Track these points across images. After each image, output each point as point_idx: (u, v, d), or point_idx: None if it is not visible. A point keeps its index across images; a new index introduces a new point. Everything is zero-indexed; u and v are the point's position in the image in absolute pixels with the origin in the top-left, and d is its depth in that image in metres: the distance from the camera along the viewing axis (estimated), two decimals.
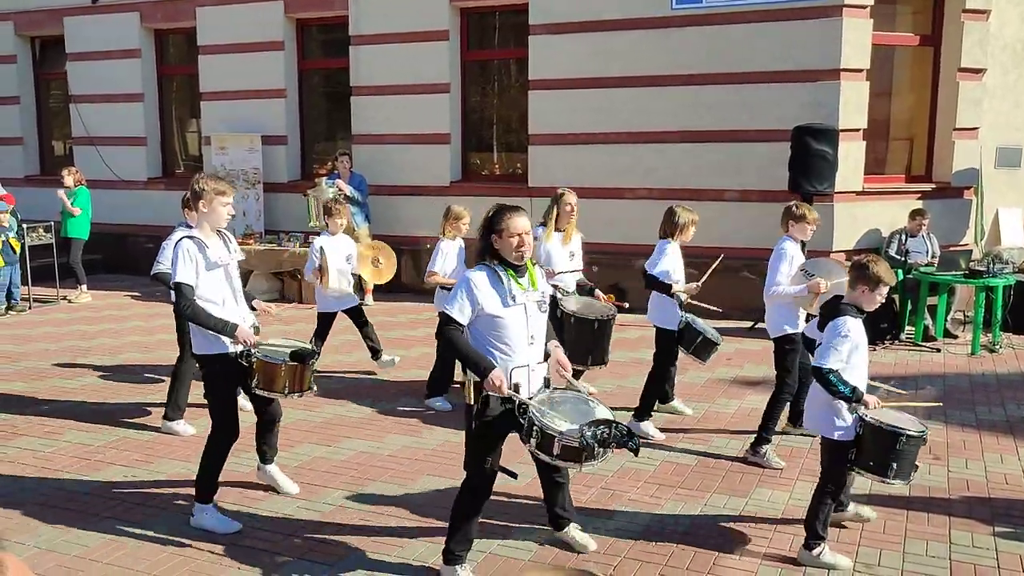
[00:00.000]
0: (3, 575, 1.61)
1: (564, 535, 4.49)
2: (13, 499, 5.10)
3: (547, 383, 4.11)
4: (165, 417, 6.31)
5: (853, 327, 4.25)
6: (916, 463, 4.30)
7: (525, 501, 5.03)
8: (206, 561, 4.35)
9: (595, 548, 4.44)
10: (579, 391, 4.13)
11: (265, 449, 5.18)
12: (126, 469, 5.57)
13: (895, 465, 4.19)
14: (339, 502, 5.05)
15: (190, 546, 4.51)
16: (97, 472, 5.53)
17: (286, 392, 4.75)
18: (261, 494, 5.16)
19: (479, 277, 3.89)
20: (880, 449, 4.21)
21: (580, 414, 3.86)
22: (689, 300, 6.30)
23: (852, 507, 4.76)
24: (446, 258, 7.04)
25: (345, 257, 7.42)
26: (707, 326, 6.25)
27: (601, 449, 3.74)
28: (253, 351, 4.64)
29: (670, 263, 6.16)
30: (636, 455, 3.80)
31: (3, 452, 5.89)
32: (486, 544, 4.51)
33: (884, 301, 4.39)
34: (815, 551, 4.28)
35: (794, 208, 5.79)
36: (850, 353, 4.24)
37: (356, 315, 7.61)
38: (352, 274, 7.50)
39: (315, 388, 4.94)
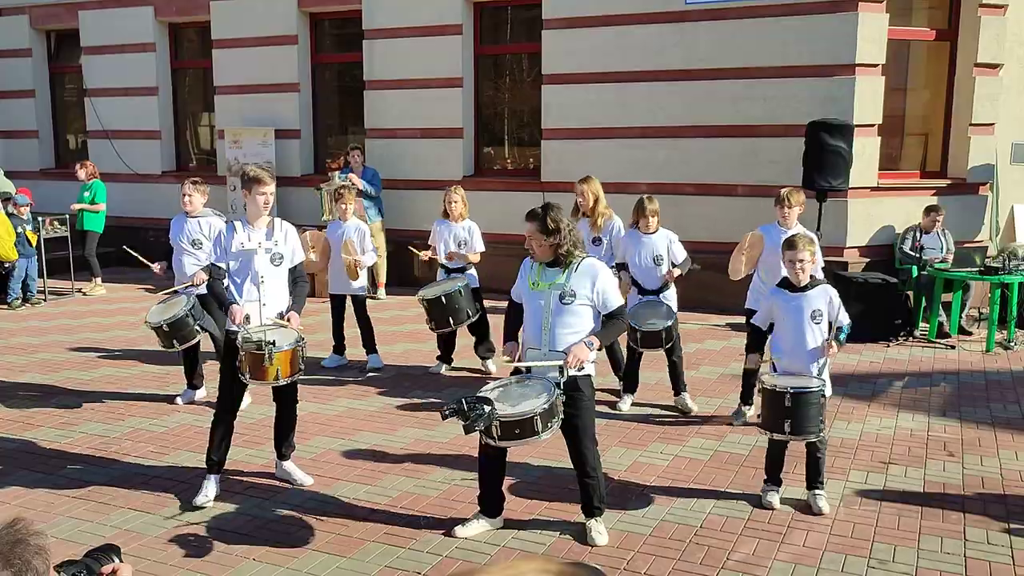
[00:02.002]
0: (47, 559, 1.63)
1: (584, 525, 4.54)
2: (30, 490, 5.15)
3: (561, 371, 4.25)
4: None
5: (769, 296, 5.12)
6: (780, 418, 4.66)
7: (535, 495, 5.04)
8: (221, 551, 4.38)
9: (606, 543, 4.45)
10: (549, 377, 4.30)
11: (281, 442, 5.26)
12: (141, 460, 5.61)
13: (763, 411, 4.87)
14: (353, 494, 5.07)
15: (205, 537, 4.54)
16: (113, 463, 5.57)
17: (247, 376, 4.83)
18: (276, 486, 5.20)
19: (525, 263, 4.57)
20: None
21: (508, 393, 4.26)
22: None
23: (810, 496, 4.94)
24: (432, 235, 7.60)
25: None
26: (650, 317, 6.33)
27: (468, 418, 4.00)
28: (240, 331, 4.86)
29: (620, 248, 6.69)
30: (466, 432, 4.07)
31: (20, 443, 5.94)
32: (500, 536, 4.53)
33: (793, 269, 4.86)
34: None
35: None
36: (772, 320, 5.00)
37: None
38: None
39: (280, 381, 4.82)
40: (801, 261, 4.81)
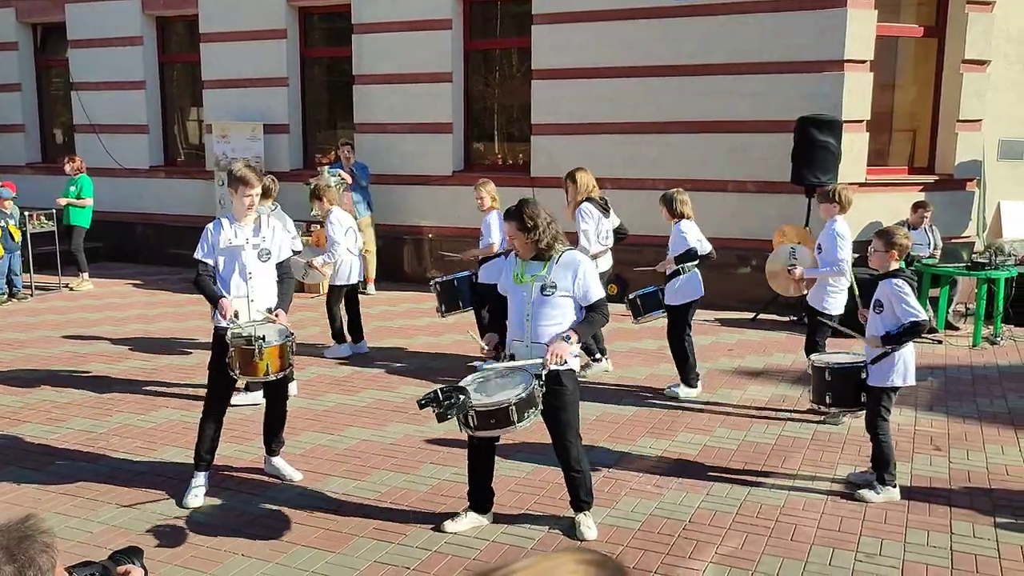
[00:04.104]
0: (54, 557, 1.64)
1: (573, 520, 4.55)
2: (17, 486, 5.12)
3: (542, 364, 4.24)
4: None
5: None
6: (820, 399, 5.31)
7: (526, 489, 5.05)
8: (210, 547, 4.37)
9: (595, 537, 4.46)
10: (530, 370, 4.29)
11: (270, 438, 5.24)
12: (129, 456, 5.59)
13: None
14: (342, 489, 5.07)
15: (193, 533, 4.53)
16: (101, 459, 5.54)
17: (237, 372, 4.82)
18: (265, 481, 5.18)
19: (510, 258, 4.59)
20: None
21: (487, 384, 4.26)
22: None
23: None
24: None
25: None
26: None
27: (442, 406, 4.01)
28: (229, 327, 4.83)
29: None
30: (439, 421, 4.09)
31: (7, 439, 5.90)
32: (489, 531, 4.53)
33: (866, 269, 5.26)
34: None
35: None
36: None
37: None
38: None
39: (270, 376, 4.83)
40: (874, 250, 5.06)
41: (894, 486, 4.92)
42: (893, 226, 5.27)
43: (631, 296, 6.99)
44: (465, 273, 7.45)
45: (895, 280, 4.88)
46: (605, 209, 7.24)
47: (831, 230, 6.28)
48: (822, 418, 6.16)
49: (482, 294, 7.30)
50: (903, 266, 5.06)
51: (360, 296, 10.70)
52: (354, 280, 7.97)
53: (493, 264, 7.27)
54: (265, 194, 6.57)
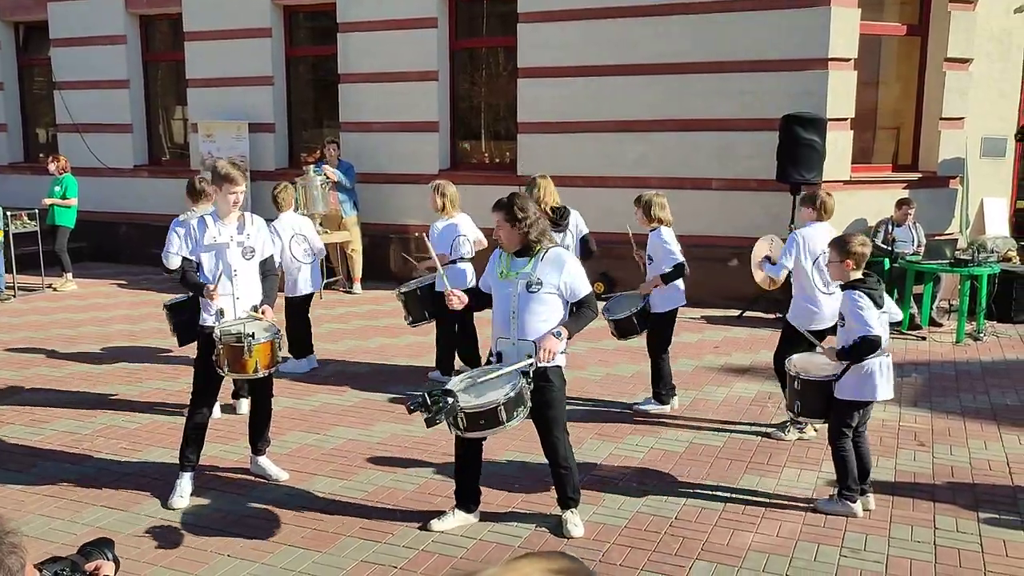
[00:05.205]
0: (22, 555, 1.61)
1: (559, 518, 4.56)
2: (0, 487, 5.08)
3: (532, 363, 4.26)
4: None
5: None
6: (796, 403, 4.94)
7: (511, 489, 5.05)
8: (195, 548, 4.36)
9: (582, 535, 4.47)
10: (521, 370, 4.26)
11: (256, 438, 5.23)
12: (114, 457, 5.56)
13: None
14: (329, 489, 5.06)
15: (179, 533, 4.52)
16: (85, 460, 5.51)
17: (225, 370, 4.81)
18: (251, 481, 5.17)
19: (494, 254, 4.55)
20: None
21: (474, 385, 4.24)
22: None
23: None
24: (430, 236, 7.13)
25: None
26: (617, 308, 6.45)
27: (431, 410, 3.99)
28: (216, 325, 4.82)
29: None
30: (428, 426, 4.06)
31: None
32: (476, 529, 4.54)
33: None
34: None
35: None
36: None
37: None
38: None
39: (259, 373, 4.81)
40: (829, 261, 4.85)
41: (854, 501, 4.68)
42: (849, 233, 4.92)
43: (627, 315, 6.28)
44: (429, 281, 7.12)
45: (855, 292, 4.59)
46: (556, 223, 6.73)
47: (792, 234, 5.95)
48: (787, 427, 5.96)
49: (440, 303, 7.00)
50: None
51: (347, 295, 10.77)
52: (309, 291, 7.45)
53: (449, 270, 6.76)
54: (199, 197, 6.38)
